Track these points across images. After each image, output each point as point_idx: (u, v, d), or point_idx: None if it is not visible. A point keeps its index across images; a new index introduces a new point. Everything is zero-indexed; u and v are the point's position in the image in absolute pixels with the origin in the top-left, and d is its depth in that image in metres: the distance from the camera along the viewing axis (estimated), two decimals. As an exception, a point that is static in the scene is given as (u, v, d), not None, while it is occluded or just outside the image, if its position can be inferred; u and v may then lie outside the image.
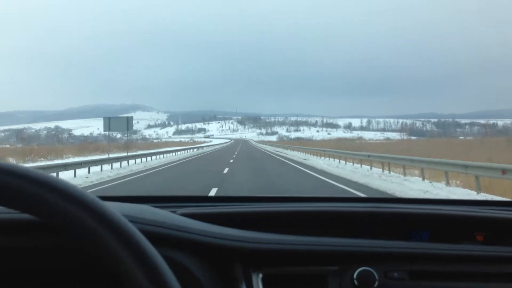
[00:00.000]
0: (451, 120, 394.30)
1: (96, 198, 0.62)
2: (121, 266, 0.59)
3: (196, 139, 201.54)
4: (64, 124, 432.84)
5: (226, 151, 50.65)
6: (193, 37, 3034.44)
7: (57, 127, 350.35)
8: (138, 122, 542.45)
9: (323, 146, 49.12)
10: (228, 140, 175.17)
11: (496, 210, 1.35)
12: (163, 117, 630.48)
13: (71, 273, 0.92)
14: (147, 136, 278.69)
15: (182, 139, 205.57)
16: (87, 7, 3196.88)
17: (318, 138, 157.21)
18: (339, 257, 1.06)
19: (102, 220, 0.60)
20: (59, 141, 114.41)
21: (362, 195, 10.22)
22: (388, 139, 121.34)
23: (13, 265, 0.91)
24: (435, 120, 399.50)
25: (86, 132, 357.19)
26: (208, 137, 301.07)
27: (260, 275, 1.01)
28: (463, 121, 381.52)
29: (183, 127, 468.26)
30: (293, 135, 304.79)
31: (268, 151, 51.03)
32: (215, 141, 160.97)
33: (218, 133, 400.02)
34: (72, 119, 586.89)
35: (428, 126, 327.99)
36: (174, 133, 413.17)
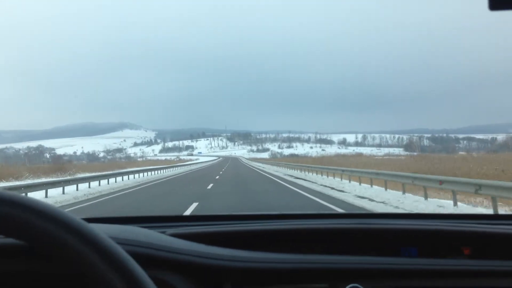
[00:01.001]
0: (445, 135, 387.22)
1: (82, 220, 0.61)
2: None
3: (182, 157, 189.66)
4: (48, 143, 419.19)
5: (204, 173, 37.19)
6: (182, 54, 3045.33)
7: (39, 146, 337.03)
8: (125, 140, 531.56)
9: (339, 164, 37.51)
10: (215, 158, 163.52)
11: (482, 224, 1.36)
12: (151, 135, 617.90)
13: None
14: (132, 155, 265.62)
15: (168, 157, 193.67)
16: (74, 25, 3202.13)
17: (314, 155, 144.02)
18: (329, 274, 1.06)
19: (88, 243, 0.59)
20: (30, 161, 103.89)
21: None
22: (388, 154, 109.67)
23: None
24: (429, 135, 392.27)
25: (70, 151, 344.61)
26: (191, 154, 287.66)
27: None
28: (460, 136, 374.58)
29: (169, 144, 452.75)
30: (286, 151, 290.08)
31: (276, 177, 28.70)
32: (201, 159, 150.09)
33: (207, 151, 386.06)
34: (59, 138, 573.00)
35: (426, 142, 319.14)
36: (161, 151, 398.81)
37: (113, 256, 0.59)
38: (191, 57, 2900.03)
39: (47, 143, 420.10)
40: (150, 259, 0.91)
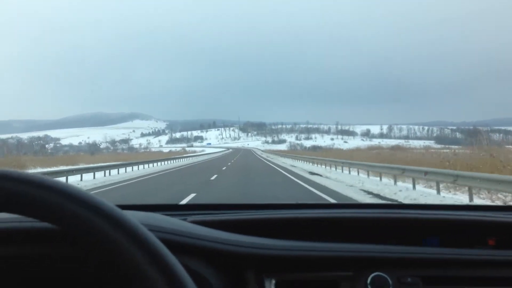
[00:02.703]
0: (471, 127, 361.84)
1: (116, 207, 0.62)
2: (142, 274, 0.59)
3: (187, 149, 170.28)
4: (55, 133, 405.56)
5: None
6: (194, 43, 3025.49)
7: (46, 136, 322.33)
8: (134, 131, 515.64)
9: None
10: (223, 150, 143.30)
11: (509, 215, 1.34)
12: (162, 125, 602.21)
13: (88, 281, 0.93)
14: (136, 146, 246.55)
15: (173, 149, 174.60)
16: (84, 15, 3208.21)
17: (343, 147, 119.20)
18: (352, 263, 1.06)
19: (122, 228, 0.60)
20: (17, 151, 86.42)
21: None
22: (429, 147, 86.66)
23: (30, 274, 0.93)
24: (454, 127, 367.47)
25: (75, 141, 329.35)
26: (191, 146, 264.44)
27: (273, 281, 1.02)
28: (495, 128, 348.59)
29: (178, 135, 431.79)
30: (305, 143, 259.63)
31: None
32: (207, 150, 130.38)
33: (217, 142, 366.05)
34: (68, 127, 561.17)
35: (458, 134, 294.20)
36: (168, 142, 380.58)
37: (146, 242, 0.60)
38: (205, 47, 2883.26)
39: (56, 133, 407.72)
40: (176, 245, 0.92)
